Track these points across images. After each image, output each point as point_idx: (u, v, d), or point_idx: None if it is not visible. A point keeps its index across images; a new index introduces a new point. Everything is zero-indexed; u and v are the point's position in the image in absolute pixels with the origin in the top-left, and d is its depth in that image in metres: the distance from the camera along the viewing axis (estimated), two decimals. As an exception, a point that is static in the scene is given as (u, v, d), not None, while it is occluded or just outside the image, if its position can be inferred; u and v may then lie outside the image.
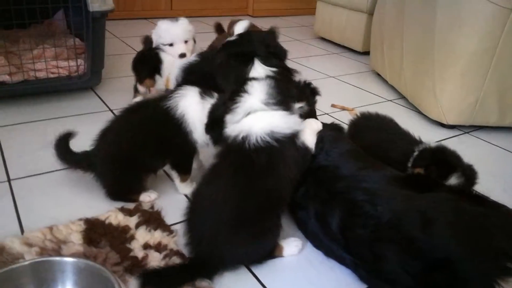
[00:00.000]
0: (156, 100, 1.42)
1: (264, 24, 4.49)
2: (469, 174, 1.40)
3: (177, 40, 1.98)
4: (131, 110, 1.43)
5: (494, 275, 0.95)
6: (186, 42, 2.01)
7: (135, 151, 1.35)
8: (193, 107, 1.36)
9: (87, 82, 2.19)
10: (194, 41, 2.11)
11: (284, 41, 3.83)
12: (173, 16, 4.36)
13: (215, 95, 1.39)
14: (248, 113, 1.16)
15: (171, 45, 1.98)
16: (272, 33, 1.69)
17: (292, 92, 1.26)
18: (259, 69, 1.50)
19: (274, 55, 1.56)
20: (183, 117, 1.36)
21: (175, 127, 1.36)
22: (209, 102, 1.36)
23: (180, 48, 1.98)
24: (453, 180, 1.35)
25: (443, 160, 1.41)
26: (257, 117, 1.14)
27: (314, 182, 1.24)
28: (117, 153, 1.35)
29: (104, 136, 1.39)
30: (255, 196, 1.09)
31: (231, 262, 1.14)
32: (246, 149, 1.10)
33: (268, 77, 1.27)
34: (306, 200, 1.24)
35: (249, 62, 1.50)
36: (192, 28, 2.08)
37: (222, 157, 1.17)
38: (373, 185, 1.15)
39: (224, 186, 1.09)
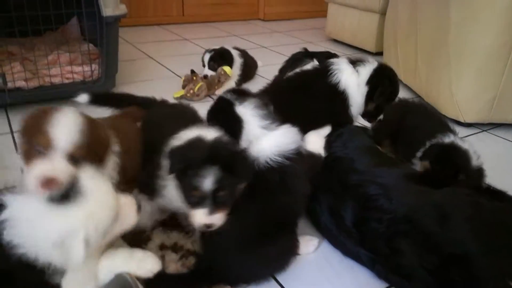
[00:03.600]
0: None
1: (275, 28, 4.50)
2: (475, 177, 1.37)
3: None
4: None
5: (511, 272, 0.92)
6: None
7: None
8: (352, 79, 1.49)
9: (101, 86, 2.20)
10: None
11: (296, 43, 3.83)
12: (185, 22, 4.40)
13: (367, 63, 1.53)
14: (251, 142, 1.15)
15: None
16: None
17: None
18: None
19: None
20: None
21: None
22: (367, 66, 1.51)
23: None
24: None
25: (448, 159, 1.38)
26: (262, 142, 1.13)
27: (327, 173, 1.23)
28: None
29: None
30: (272, 214, 1.08)
31: (249, 279, 1.11)
32: (258, 171, 1.09)
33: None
34: (319, 191, 1.23)
35: None
36: None
37: None
38: (388, 180, 1.14)
39: (241, 205, 1.07)
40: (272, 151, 1.11)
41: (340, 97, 1.51)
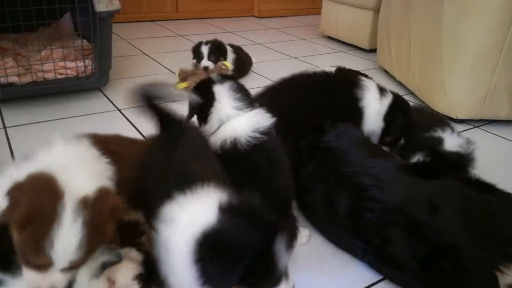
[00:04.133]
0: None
1: (270, 24, 4.50)
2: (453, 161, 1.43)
3: None
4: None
5: (498, 262, 0.94)
6: None
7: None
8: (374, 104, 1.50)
9: (95, 82, 2.20)
10: None
11: (290, 40, 3.84)
12: (179, 18, 4.41)
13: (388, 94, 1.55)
14: (223, 122, 1.16)
15: None
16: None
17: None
18: None
19: None
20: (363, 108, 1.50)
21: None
22: (387, 97, 1.52)
23: None
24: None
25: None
26: (235, 122, 1.15)
27: (321, 164, 1.25)
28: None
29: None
30: (267, 195, 1.06)
31: None
32: (241, 151, 1.09)
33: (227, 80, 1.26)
34: (313, 182, 1.25)
35: None
36: None
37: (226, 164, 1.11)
38: (380, 171, 1.16)
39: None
40: (248, 130, 1.12)
41: (356, 112, 1.52)
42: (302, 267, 1.17)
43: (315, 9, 4.59)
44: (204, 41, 2.55)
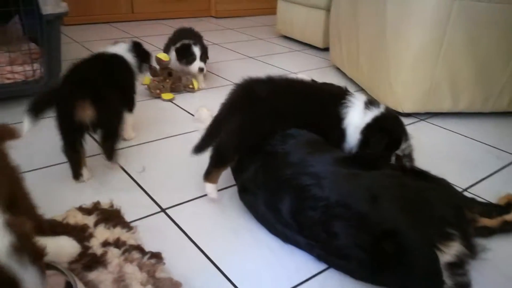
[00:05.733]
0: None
1: (227, 25, 4.52)
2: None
3: None
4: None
5: (435, 241, 1.00)
6: None
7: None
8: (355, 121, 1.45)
9: (44, 86, 2.15)
10: None
11: (247, 40, 3.87)
12: (135, 20, 4.34)
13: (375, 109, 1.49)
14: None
15: None
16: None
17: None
18: None
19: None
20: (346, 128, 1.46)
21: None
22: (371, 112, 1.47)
23: None
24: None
25: None
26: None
27: (263, 168, 1.28)
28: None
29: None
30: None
31: None
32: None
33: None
34: (255, 186, 1.28)
35: None
36: None
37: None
38: (318, 169, 1.20)
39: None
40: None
41: (337, 131, 1.47)
42: (250, 259, 1.20)
43: (272, 9, 4.63)
44: (191, 42, 2.48)
